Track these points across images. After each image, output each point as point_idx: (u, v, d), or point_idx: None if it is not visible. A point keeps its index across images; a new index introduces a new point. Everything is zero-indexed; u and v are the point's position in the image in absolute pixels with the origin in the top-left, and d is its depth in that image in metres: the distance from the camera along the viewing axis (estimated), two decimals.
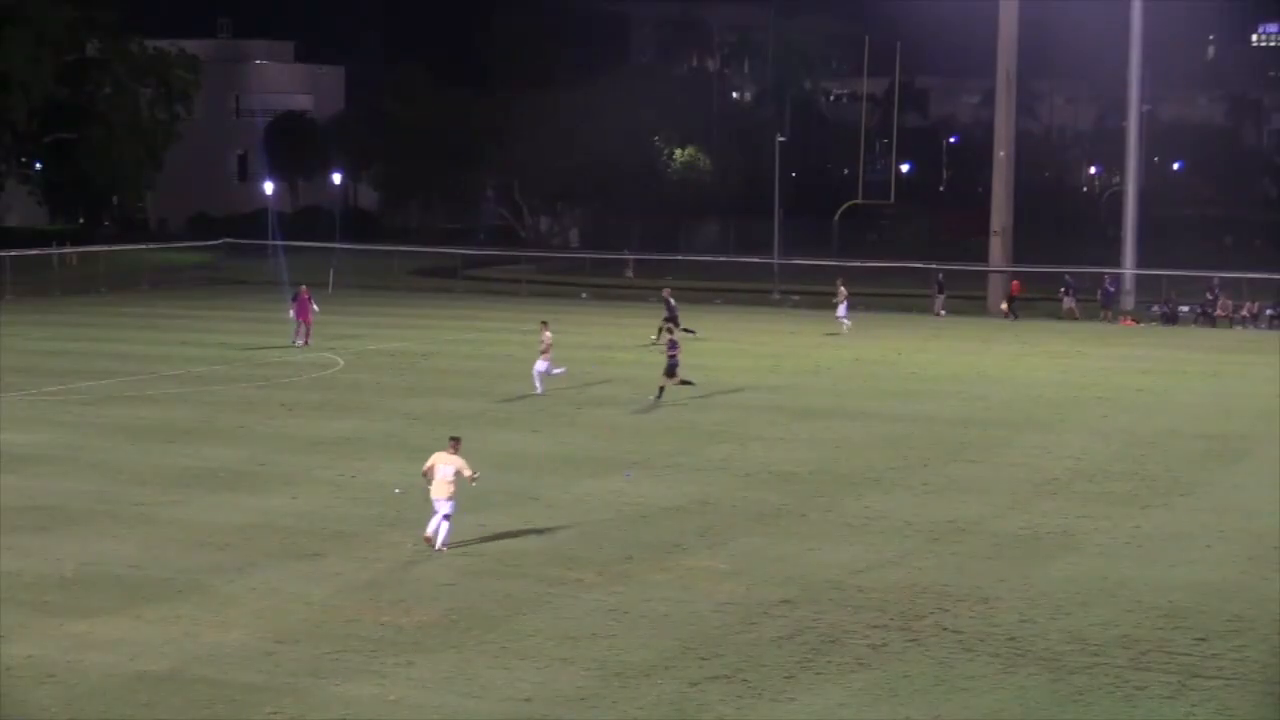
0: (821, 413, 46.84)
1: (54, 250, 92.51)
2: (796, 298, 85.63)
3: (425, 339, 62.06)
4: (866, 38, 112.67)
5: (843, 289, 70.45)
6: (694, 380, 48.66)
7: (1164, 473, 38.44)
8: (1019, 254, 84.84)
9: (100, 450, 39.69)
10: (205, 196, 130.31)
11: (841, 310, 69.53)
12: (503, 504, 33.63)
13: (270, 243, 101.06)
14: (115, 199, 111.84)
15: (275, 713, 21.48)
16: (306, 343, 59.61)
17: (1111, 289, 79.98)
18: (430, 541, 29.51)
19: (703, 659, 23.82)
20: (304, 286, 61.85)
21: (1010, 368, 58.52)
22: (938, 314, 78.57)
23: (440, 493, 29.47)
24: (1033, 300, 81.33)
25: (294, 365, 55.26)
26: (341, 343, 61.26)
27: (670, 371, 47.90)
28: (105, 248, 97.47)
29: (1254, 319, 75.34)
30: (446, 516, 29.51)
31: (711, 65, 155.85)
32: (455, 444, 30.02)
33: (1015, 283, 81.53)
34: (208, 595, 26.69)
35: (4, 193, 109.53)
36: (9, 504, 33.23)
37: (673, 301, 60.60)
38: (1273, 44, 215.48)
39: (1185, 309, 77.23)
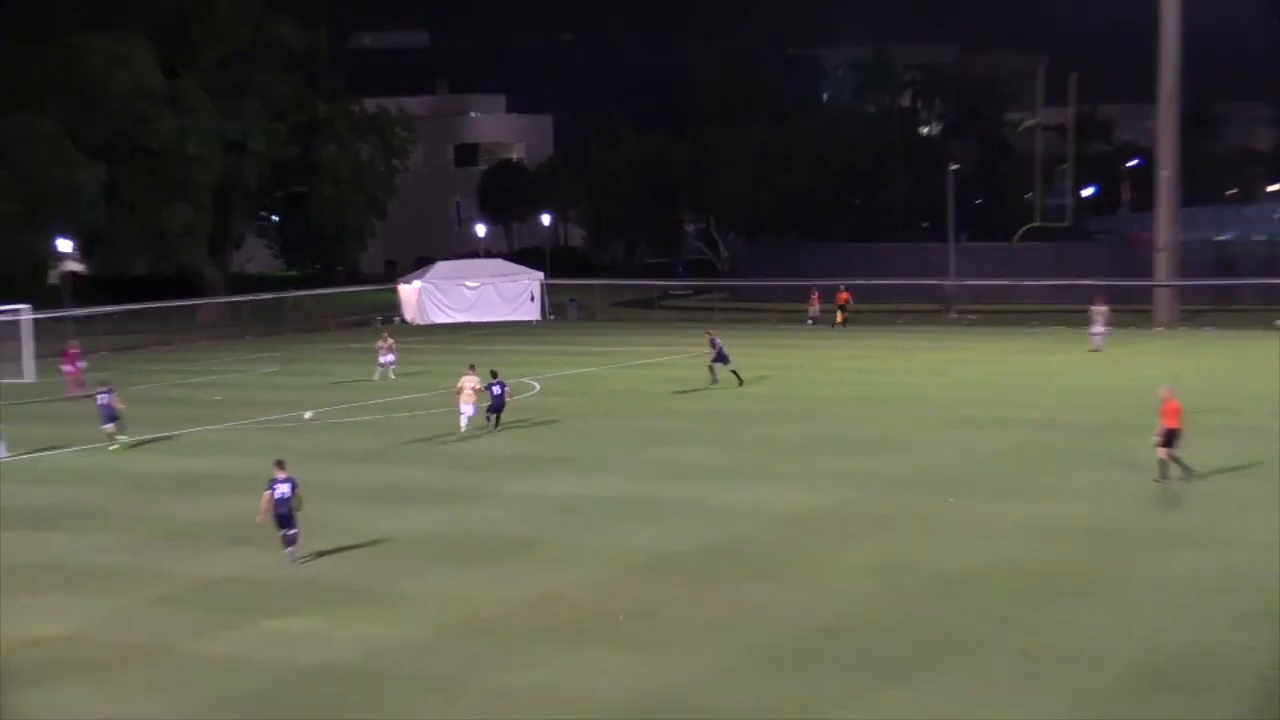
0: (979, 420, 46.86)
1: (288, 294, 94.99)
2: (973, 316, 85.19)
3: (605, 363, 63.30)
4: (1043, 71, 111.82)
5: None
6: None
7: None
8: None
9: (315, 470, 40.19)
10: (427, 239, 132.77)
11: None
12: (670, 513, 34.54)
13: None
14: (341, 246, 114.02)
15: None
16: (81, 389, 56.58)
17: None
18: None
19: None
20: (73, 342, 62.16)
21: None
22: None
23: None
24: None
25: None
26: (538, 369, 62.36)
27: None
28: (333, 290, 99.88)
29: None
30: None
31: (904, 102, 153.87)
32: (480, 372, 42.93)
33: (845, 294, 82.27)
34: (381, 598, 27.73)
35: (243, 246, 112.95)
36: (227, 519, 34.75)
37: (718, 341, 56.81)
38: None
39: None
